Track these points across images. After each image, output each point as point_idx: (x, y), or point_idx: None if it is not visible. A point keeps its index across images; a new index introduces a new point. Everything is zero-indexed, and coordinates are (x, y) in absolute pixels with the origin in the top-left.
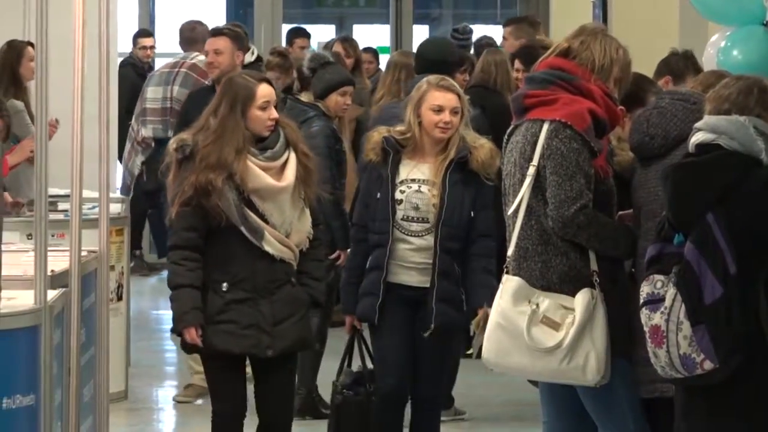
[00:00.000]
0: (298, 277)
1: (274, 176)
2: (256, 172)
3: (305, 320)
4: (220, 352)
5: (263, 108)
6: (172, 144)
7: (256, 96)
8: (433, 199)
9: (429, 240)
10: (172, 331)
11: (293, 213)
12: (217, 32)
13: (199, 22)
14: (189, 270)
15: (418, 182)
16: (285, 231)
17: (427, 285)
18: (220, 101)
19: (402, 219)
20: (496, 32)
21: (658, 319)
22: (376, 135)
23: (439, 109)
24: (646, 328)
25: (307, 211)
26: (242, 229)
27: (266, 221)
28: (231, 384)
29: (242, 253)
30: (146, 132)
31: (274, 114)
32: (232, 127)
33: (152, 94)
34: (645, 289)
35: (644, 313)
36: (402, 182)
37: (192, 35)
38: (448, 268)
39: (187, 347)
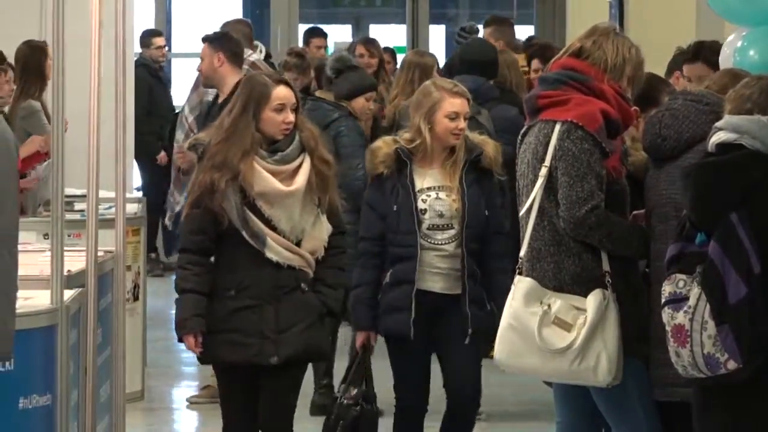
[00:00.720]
0: (313, 284)
1: (284, 181)
2: (263, 175)
3: (316, 328)
4: (225, 363)
5: (278, 110)
6: (190, 143)
7: (271, 97)
8: (454, 204)
9: (455, 245)
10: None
11: (305, 219)
12: (202, 39)
13: (247, 23)
14: (195, 275)
15: (434, 189)
16: (296, 238)
17: (454, 291)
18: (236, 100)
19: (428, 228)
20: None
21: (681, 318)
22: (384, 147)
23: (455, 117)
24: (668, 328)
25: (324, 218)
26: (243, 233)
27: (273, 227)
28: (239, 399)
29: (247, 259)
30: None
31: (290, 117)
32: (242, 128)
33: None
34: (667, 289)
35: (666, 312)
36: (420, 191)
37: (248, 32)
38: (474, 271)
39: (200, 357)
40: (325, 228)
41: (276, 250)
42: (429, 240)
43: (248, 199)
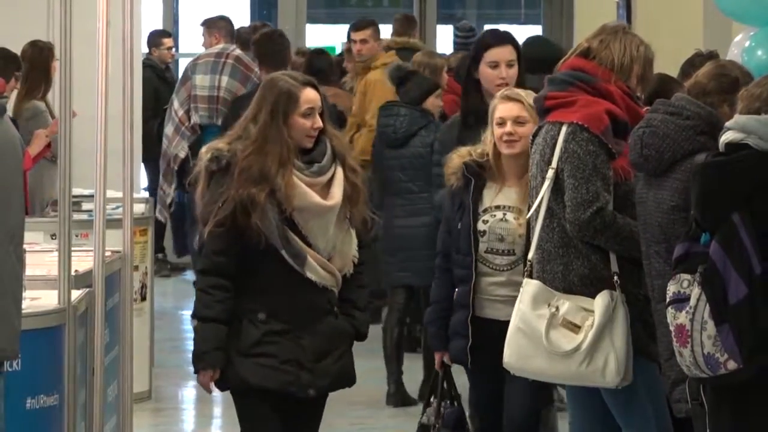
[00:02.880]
0: (341, 306)
1: (320, 193)
2: (303, 189)
3: (348, 355)
4: (254, 387)
5: (306, 115)
6: (205, 154)
7: (300, 101)
8: (519, 229)
9: (516, 273)
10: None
11: (338, 235)
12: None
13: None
14: (217, 301)
15: (503, 209)
16: (327, 254)
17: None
18: (260, 106)
19: (486, 252)
20: (519, 32)
21: (683, 318)
22: (457, 158)
23: (502, 122)
24: (671, 328)
25: (353, 232)
26: (283, 252)
27: (309, 244)
28: (267, 426)
29: (281, 279)
30: (195, 118)
31: (319, 123)
32: (274, 136)
33: (200, 81)
34: (671, 288)
35: (670, 312)
36: (485, 210)
37: (230, 27)
38: None
39: (219, 382)
40: (354, 243)
41: (314, 270)
42: (488, 264)
43: (284, 215)
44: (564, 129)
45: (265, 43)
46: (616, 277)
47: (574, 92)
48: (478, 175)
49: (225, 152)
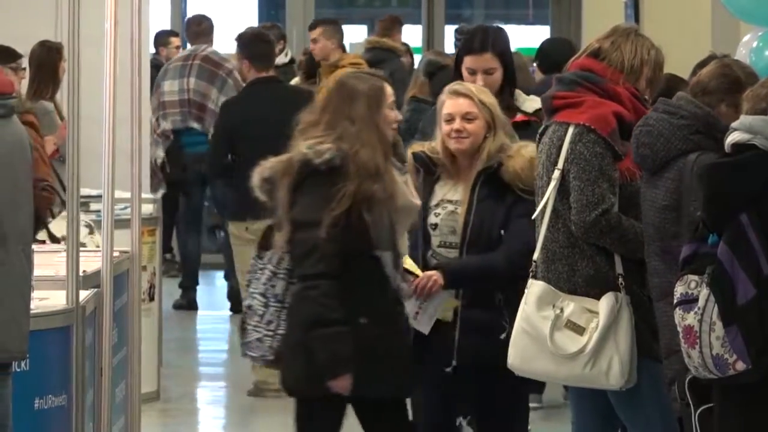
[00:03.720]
0: None
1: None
2: (402, 187)
3: None
4: (362, 398)
5: (390, 107)
6: (312, 155)
7: (387, 93)
8: (461, 219)
9: None
10: (326, 379)
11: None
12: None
13: (206, 17)
14: (340, 305)
15: (454, 203)
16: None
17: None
18: (350, 103)
19: (439, 246)
20: (527, 33)
21: (691, 319)
22: (409, 151)
23: (450, 118)
24: (679, 329)
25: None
26: (387, 254)
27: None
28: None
29: (379, 281)
30: (166, 125)
31: (399, 116)
32: (375, 131)
33: (169, 87)
34: (679, 290)
35: (678, 313)
36: (437, 204)
37: (199, 29)
38: (477, 295)
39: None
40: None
41: (401, 272)
42: (440, 259)
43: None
44: (571, 130)
45: (255, 42)
46: (621, 279)
47: (581, 93)
48: (427, 167)
49: (334, 151)
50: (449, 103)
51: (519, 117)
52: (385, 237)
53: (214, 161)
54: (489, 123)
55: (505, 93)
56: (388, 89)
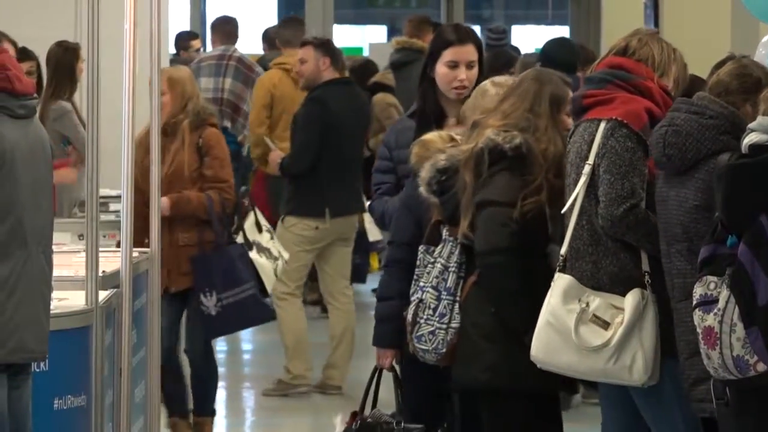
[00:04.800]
0: None
1: None
2: None
3: None
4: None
5: (568, 115)
6: (501, 141)
7: (568, 101)
8: None
9: None
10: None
11: None
12: (303, 42)
13: (233, 18)
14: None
15: None
16: None
17: None
18: (537, 96)
19: None
20: (546, 33)
21: (711, 320)
22: (439, 142)
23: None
24: (698, 330)
25: None
26: (556, 249)
27: None
28: None
29: (546, 277)
30: None
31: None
32: (558, 131)
33: (204, 84)
34: (698, 291)
35: (697, 314)
36: None
37: (229, 29)
38: None
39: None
40: None
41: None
42: None
43: None
44: (603, 125)
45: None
46: (647, 276)
47: (612, 90)
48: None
49: (523, 139)
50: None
51: None
52: (558, 232)
53: (305, 156)
54: None
55: None
56: (569, 97)
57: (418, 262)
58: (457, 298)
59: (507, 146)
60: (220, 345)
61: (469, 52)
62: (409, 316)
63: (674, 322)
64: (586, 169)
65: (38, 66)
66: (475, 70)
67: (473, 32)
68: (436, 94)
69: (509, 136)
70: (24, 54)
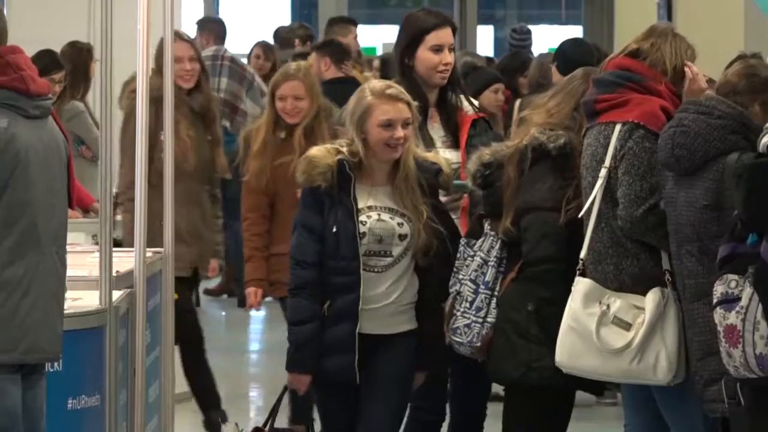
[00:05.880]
0: None
1: None
2: None
3: None
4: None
5: None
6: (546, 140)
7: None
8: (398, 229)
9: (392, 276)
10: None
11: None
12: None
13: (221, 19)
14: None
15: (376, 210)
16: None
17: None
18: (580, 96)
19: (364, 255)
20: (560, 33)
21: (733, 318)
22: (325, 155)
23: (389, 124)
24: (720, 328)
25: None
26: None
27: None
28: None
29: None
30: None
31: None
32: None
33: None
34: (719, 289)
35: (718, 312)
36: (359, 211)
37: (221, 30)
38: None
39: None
40: None
41: None
42: (368, 269)
43: None
44: (618, 128)
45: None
46: (667, 275)
47: (623, 93)
48: (351, 174)
49: (568, 139)
50: (387, 108)
51: (473, 115)
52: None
53: None
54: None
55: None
56: None
57: (458, 255)
58: (495, 293)
59: (551, 145)
60: (226, 344)
61: (450, 34)
62: (447, 308)
63: (686, 324)
64: (603, 172)
65: (66, 76)
66: (453, 55)
67: (448, 16)
68: (417, 83)
69: (554, 136)
70: (56, 63)
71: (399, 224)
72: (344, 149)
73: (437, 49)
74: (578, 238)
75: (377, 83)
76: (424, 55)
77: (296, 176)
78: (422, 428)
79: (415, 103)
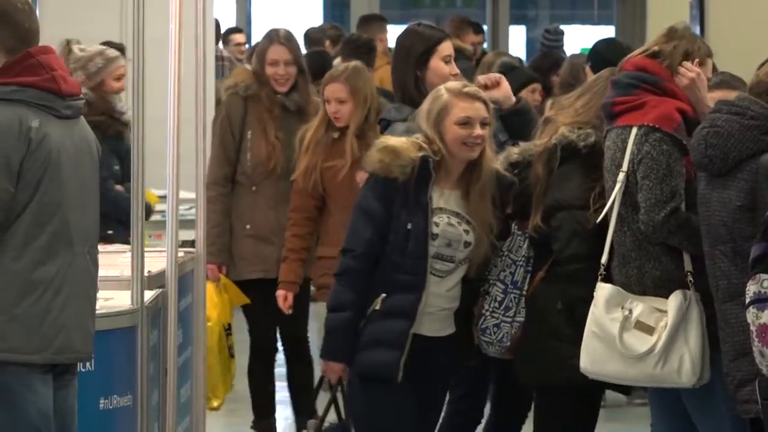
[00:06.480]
0: None
1: None
2: None
3: None
4: None
5: None
6: (576, 138)
7: None
8: (465, 236)
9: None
10: None
11: None
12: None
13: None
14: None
15: (446, 212)
16: None
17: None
18: (596, 91)
19: (432, 256)
20: (592, 33)
21: (766, 318)
22: (411, 148)
23: (467, 122)
24: (753, 327)
25: None
26: None
27: None
28: None
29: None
30: None
31: None
32: None
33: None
34: (751, 288)
35: (751, 312)
36: (432, 212)
37: (216, 30)
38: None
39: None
40: None
41: None
42: (433, 272)
43: None
44: (634, 131)
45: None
46: (689, 276)
47: (640, 94)
48: (433, 172)
49: (597, 137)
50: (464, 106)
51: None
52: None
53: None
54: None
55: None
56: None
57: None
58: (524, 293)
59: (582, 144)
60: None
61: (451, 46)
62: (476, 308)
63: (719, 324)
64: (621, 176)
65: None
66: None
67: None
68: (424, 94)
69: (584, 134)
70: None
71: (465, 231)
72: (426, 146)
73: (447, 60)
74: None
75: (453, 83)
76: (436, 64)
77: (366, 162)
78: (458, 429)
79: (492, 105)
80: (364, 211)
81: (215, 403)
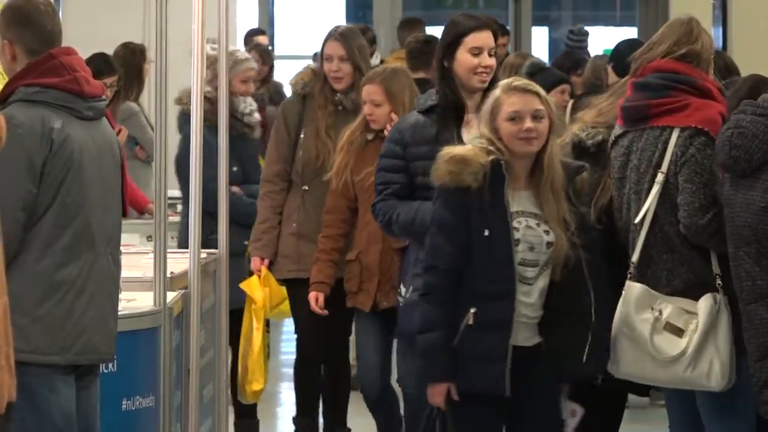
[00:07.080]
0: None
1: None
2: None
3: None
4: None
5: None
6: (585, 137)
7: None
8: (546, 237)
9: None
10: None
11: None
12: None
13: None
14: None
15: (524, 215)
16: None
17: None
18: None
19: (518, 263)
20: (615, 34)
21: None
22: (479, 154)
23: (517, 116)
24: None
25: None
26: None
27: None
28: None
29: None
30: None
31: None
32: None
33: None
34: None
35: None
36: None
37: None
38: None
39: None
40: None
41: None
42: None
43: None
44: (677, 133)
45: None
46: (718, 279)
47: (679, 96)
48: (505, 174)
49: (607, 135)
50: (515, 101)
51: None
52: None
53: None
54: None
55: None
56: None
57: None
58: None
59: (589, 142)
60: (290, 347)
61: (489, 37)
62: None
63: (743, 325)
64: (660, 177)
65: (119, 79)
66: (494, 59)
67: (491, 19)
68: (455, 86)
69: (593, 132)
70: (108, 67)
71: (545, 232)
72: (492, 149)
73: (476, 52)
74: (609, 233)
75: (507, 79)
76: (462, 57)
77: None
78: None
79: (552, 98)
80: (440, 226)
81: (257, 387)
